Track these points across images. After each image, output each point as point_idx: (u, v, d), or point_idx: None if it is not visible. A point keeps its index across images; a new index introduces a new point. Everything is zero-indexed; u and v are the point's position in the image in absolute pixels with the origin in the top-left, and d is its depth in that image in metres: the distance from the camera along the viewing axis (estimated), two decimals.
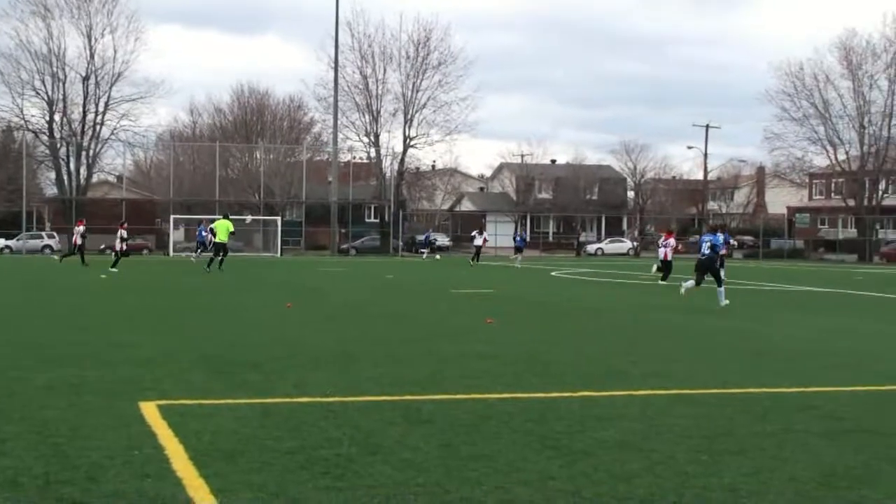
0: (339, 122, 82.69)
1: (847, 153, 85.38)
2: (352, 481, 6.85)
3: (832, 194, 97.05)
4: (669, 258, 36.99)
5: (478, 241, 59.52)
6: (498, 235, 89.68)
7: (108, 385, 10.79)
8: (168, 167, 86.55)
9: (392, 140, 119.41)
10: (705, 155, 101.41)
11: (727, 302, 24.03)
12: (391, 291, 30.47)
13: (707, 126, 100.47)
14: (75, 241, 46.43)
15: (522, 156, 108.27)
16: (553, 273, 45.79)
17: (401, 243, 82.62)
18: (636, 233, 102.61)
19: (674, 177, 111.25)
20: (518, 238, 63.50)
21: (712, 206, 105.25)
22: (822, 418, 9.42)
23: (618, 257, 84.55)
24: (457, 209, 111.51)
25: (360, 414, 9.26)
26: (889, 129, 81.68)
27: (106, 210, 79.37)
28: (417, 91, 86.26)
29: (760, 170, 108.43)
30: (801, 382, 11.73)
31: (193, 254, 57.56)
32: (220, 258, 41.81)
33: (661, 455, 7.76)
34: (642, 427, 8.85)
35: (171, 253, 72.81)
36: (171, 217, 77.08)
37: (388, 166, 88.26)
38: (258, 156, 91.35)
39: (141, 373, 11.72)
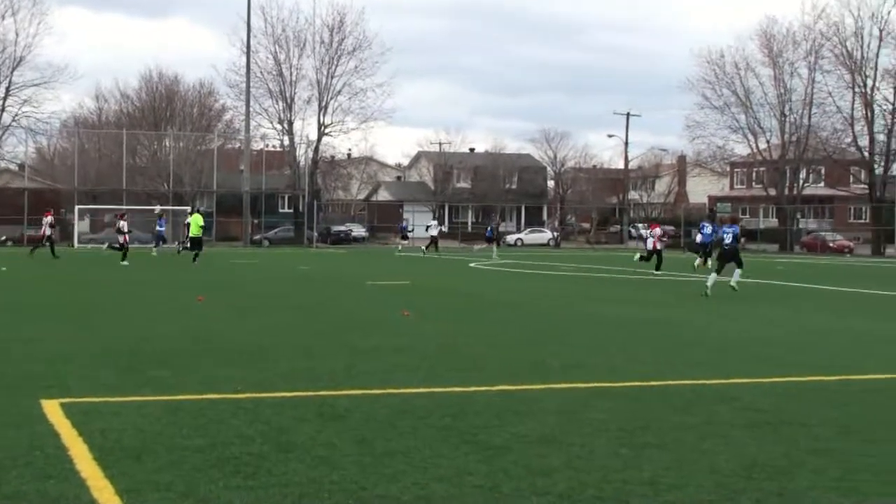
0: (251, 109, 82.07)
1: (768, 142, 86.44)
2: (264, 480, 6.80)
3: (753, 183, 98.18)
4: (658, 247, 38.96)
5: (433, 232, 60.68)
6: (416, 225, 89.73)
7: (8, 382, 10.62)
8: (72, 155, 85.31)
9: (306, 128, 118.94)
10: (626, 143, 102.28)
11: (735, 286, 26.43)
12: (305, 284, 30.34)
13: (628, 114, 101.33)
14: (43, 233, 46.56)
15: (440, 144, 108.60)
16: (472, 264, 45.89)
17: (315, 234, 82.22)
18: (556, 223, 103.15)
19: (594, 166, 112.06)
20: (489, 229, 63.75)
21: (633, 195, 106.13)
22: (743, 410, 9.52)
23: (538, 248, 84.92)
24: (373, 199, 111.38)
25: (273, 410, 9.19)
26: (809, 117, 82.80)
27: (7, 200, 77.98)
28: (332, 77, 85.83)
29: (682, 159, 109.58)
30: (724, 374, 11.86)
31: (103, 246, 57.20)
32: (196, 253, 42.38)
33: (580, 449, 7.80)
34: (562, 420, 8.88)
35: (76, 244, 71.77)
36: (76, 207, 76.01)
37: (303, 155, 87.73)
38: (167, 143, 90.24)
39: (44, 369, 11.54)
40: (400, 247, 56.43)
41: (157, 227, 57.00)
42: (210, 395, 10.00)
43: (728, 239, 27.45)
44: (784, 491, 6.68)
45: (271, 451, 7.62)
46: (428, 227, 63.40)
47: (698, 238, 42.48)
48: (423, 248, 60.88)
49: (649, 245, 39.84)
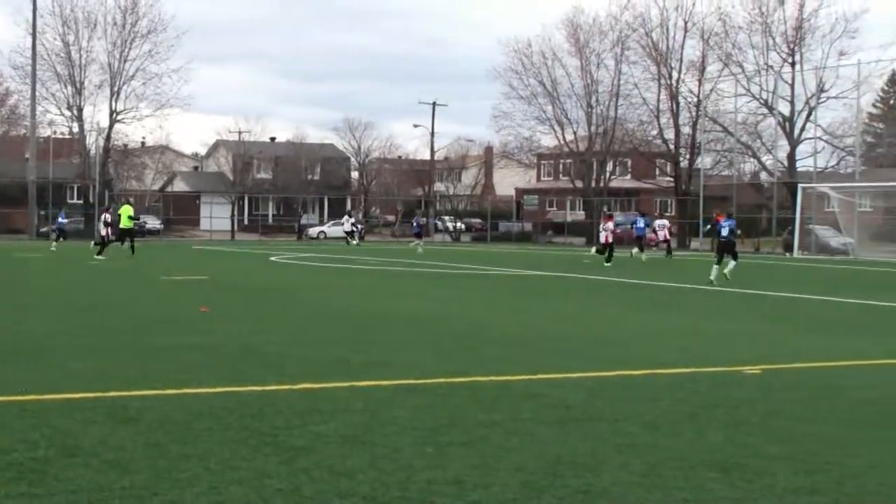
0: (37, 94, 79.89)
1: (575, 133, 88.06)
2: (50, 486, 6.62)
3: (560, 175, 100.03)
4: (611, 241, 42.62)
5: (347, 228, 65.40)
6: (213, 218, 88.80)
7: None
8: None
9: (97, 114, 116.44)
10: (432, 134, 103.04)
11: (728, 276, 29.56)
12: (97, 278, 29.71)
13: (434, 104, 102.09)
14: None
15: (240, 133, 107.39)
16: (272, 258, 45.61)
17: None
18: (360, 215, 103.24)
19: (400, 156, 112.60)
20: (415, 223, 63.15)
21: (439, 186, 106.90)
22: (549, 406, 9.68)
23: (342, 241, 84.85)
24: (169, 190, 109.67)
25: (59, 413, 8.97)
26: (616, 108, 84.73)
27: None
28: (125, 61, 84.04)
29: (488, 150, 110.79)
30: (529, 370, 12.03)
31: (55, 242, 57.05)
32: (130, 244, 44.27)
33: (385, 448, 7.82)
34: (365, 420, 8.89)
35: None
36: None
37: (93, 143, 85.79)
38: None
39: None
40: (420, 248, 55.00)
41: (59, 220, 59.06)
42: None
43: (725, 232, 30.44)
44: (589, 488, 6.81)
45: (57, 456, 7.43)
46: (342, 222, 67.42)
47: (603, 237, 44.51)
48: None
49: (602, 238, 43.34)
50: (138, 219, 47.31)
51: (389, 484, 6.82)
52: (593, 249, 45.71)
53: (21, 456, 7.40)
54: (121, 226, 45.17)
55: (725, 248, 30.38)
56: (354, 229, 66.43)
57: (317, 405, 9.54)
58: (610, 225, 43.42)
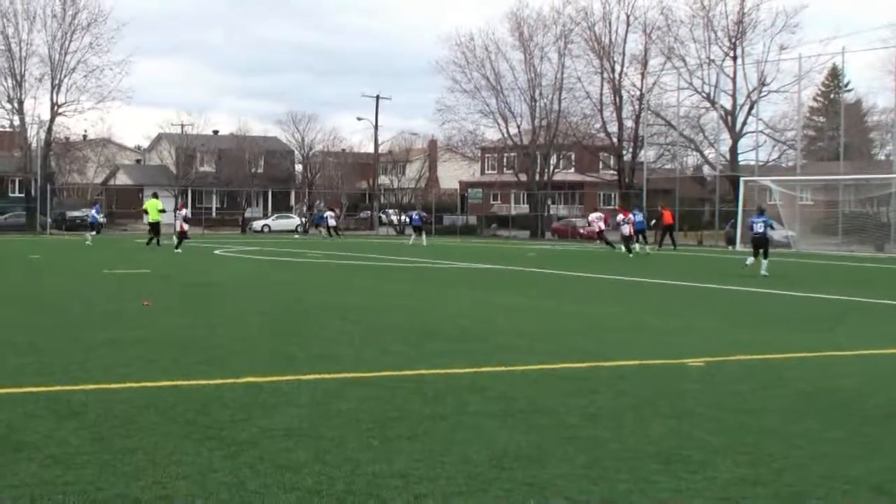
0: None
1: (519, 127, 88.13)
2: None
3: (504, 169, 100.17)
4: (632, 233, 45.99)
5: (332, 223, 67.33)
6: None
7: None
8: None
9: (38, 107, 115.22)
10: (375, 127, 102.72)
11: (766, 273, 29.96)
12: (37, 273, 29.45)
13: (377, 97, 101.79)
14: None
15: (182, 126, 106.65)
16: (217, 251, 45.40)
17: (49, 220, 79.75)
18: (304, 208, 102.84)
19: (344, 150, 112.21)
20: (416, 216, 62.69)
21: (384, 179, 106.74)
22: (494, 399, 9.72)
23: (286, 234, 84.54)
24: (111, 183, 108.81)
25: (1, 408, 8.90)
26: (560, 102, 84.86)
27: None
28: (66, 54, 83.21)
29: (432, 143, 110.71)
30: (474, 363, 12.06)
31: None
32: (156, 238, 46.45)
33: (330, 442, 7.82)
34: (310, 413, 8.88)
35: None
36: None
37: (34, 136, 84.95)
38: None
39: None
40: (423, 241, 54.98)
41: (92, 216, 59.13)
42: None
43: (759, 228, 31.48)
44: (534, 480, 6.85)
45: (0, 450, 7.38)
46: (326, 217, 72.07)
47: (626, 230, 46.96)
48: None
49: (625, 231, 46.08)
50: (164, 211, 48.53)
51: (335, 477, 6.82)
52: (621, 247, 47.44)
53: None
54: (149, 220, 47.38)
55: (759, 244, 31.26)
56: (335, 223, 67.22)
57: (261, 399, 9.52)
58: (631, 217, 46.41)
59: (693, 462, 7.42)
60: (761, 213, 32.33)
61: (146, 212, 48.68)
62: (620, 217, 48.76)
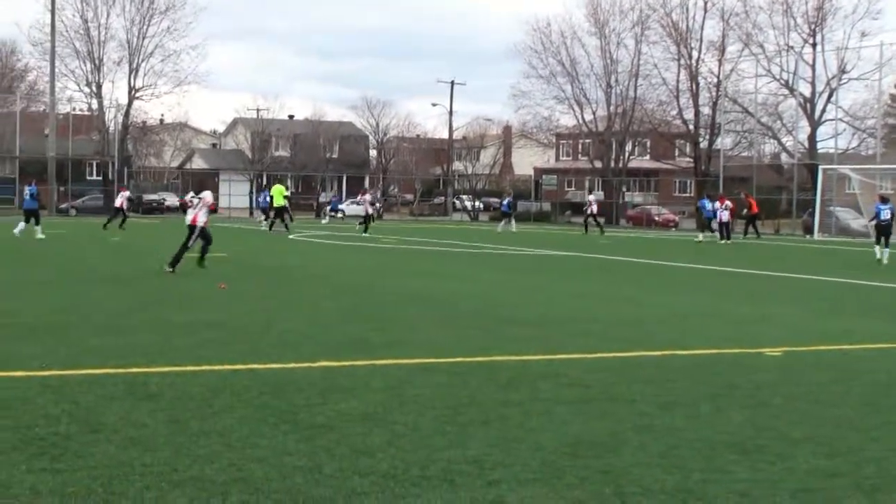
0: (57, 70, 80.00)
1: (594, 113, 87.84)
2: (71, 462, 6.66)
3: (579, 155, 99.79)
4: (726, 220, 46.76)
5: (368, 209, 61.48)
6: (232, 196, 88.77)
7: None
8: None
9: (116, 91, 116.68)
10: (450, 112, 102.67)
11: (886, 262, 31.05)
12: (115, 255, 29.76)
13: (452, 82, 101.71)
14: (121, 205, 48.45)
15: (258, 110, 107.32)
16: (291, 236, 45.63)
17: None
18: (379, 193, 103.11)
19: (418, 135, 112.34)
20: (504, 204, 62.78)
21: (458, 166, 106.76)
22: (568, 386, 9.68)
23: (360, 219, 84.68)
24: (187, 167, 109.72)
25: (80, 389, 9.01)
26: (636, 89, 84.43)
27: None
28: (144, 38, 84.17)
29: (507, 129, 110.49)
30: (548, 349, 12.03)
31: (265, 220, 56.71)
32: (285, 221, 48.77)
33: (404, 427, 7.83)
34: (385, 398, 8.90)
35: None
36: None
37: (112, 119, 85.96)
38: None
39: None
40: (512, 228, 55.48)
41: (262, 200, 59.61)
42: (12, 372, 9.74)
43: (886, 216, 32.51)
44: (609, 468, 6.81)
45: (79, 431, 7.47)
46: (359, 201, 66.69)
47: (724, 216, 47.79)
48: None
49: (721, 218, 46.75)
50: (289, 197, 50.73)
51: (409, 462, 6.83)
52: (700, 235, 47.43)
53: (43, 431, 7.44)
54: (274, 204, 49.23)
55: (883, 232, 32.14)
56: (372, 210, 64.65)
57: (337, 383, 9.55)
58: (728, 203, 47.25)
59: (770, 452, 7.34)
60: (886, 200, 32.50)
61: (272, 196, 50.77)
62: (717, 204, 48.51)
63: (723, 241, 45.66)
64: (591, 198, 57.40)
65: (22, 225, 38.82)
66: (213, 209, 23.92)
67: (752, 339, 13.43)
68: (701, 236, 48.50)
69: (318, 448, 7.15)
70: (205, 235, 22.70)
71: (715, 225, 48.72)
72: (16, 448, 6.97)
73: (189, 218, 23.03)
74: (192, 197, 23.40)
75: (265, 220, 54.65)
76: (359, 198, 62.73)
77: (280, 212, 49.51)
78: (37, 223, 38.56)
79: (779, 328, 14.99)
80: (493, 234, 51.93)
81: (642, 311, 17.10)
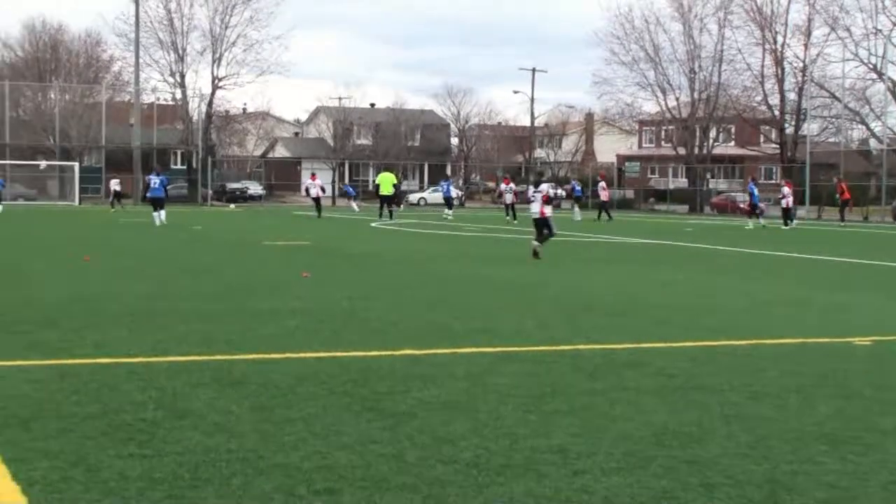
0: (141, 61, 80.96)
1: (677, 99, 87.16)
2: (158, 448, 6.73)
3: (662, 142, 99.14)
4: (789, 205, 48.01)
5: (450, 193, 61.28)
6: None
7: None
8: None
9: (199, 80, 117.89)
10: (532, 100, 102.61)
11: None
12: (199, 243, 30.08)
13: (533, 70, 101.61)
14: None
15: (340, 99, 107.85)
16: (373, 224, 45.82)
17: (210, 192, 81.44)
18: (461, 181, 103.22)
19: (500, 123, 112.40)
20: (576, 187, 62.87)
21: (540, 153, 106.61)
22: (653, 375, 9.61)
23: (442, 207, 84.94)
24: (270, 156, 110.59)
25: (167, 375, 9.10)
26: (719, 74, 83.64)
27: None
28: (227, 28, 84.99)
29: (589, 116, 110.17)
30: (632, 338, 11.95)
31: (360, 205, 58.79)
32: (390, 209, 49.69)
33: (488, 416, 7.82)
34: (468, 386, 8.90)
35: None
36: None
37: (196, 109, 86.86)
38: (53, 96, 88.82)
39: None
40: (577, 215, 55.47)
41: (445, 191, 60.32)
42: (100, 359, 9.87)
43: None
44: (695, 458, 6.75)
45: (166, 417, 7.55)
46: (438, 189, 70.12)
47: (787, 202, 48.94)
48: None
49: (784, 203, 47.91)
50: (397, 185, 51.72)
51: (493, 451, 6.82)
52: (751, 223, 48.08)
53: (130, 417, 7.53)
54: (381, 192, 49.94)
55: None
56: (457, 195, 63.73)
57: (419, 371, 9.56)
58: (787, 190, 48.59)
59: (861, 444, 7.23)
60: None
61: (379, 185, 51.13)
62: (786, 190, 48.39)
63: (785, 227, 46.09)
64: (602, 184, 56.05)
65: (159, 215, 39.69)
66: (545, 199, 24.74)
67: (841, 328, 13.25)
68: (751, 223, 48.12)
69: (402, 436, 7.16)
70: (547, 225, 24.29)
71: (764, 207, 49.34)
72: (104, 434, 7.06)
73: (536, 210, 24.32)
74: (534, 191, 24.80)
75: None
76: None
77: (387, 200, 49.66)
78: (160, 209, 40.37)
79: (868, 317, 14.77)
80: (571, 222, 51.69)
81: (726, 299, 16.94)
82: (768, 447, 7.07)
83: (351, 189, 72.93)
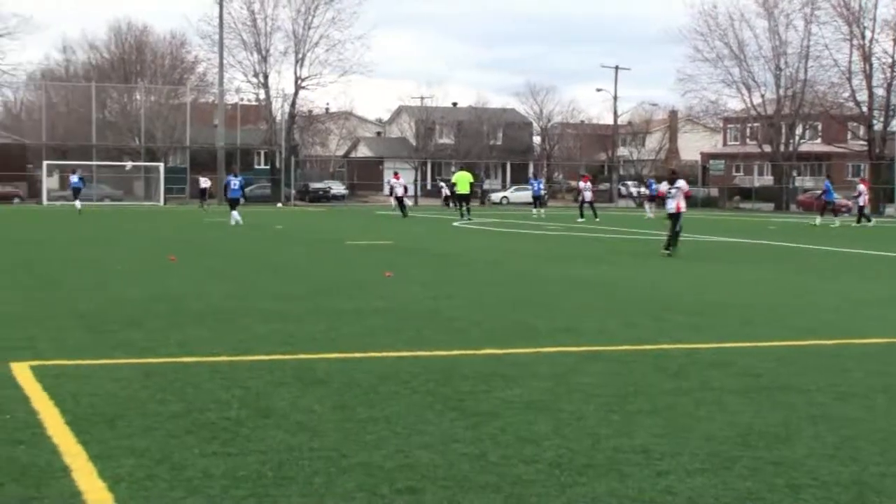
0: (225, 62, 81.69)
1: (763, 96, 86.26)
2: (241, 446, 6.79)
3: (747, 140, 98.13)
4: (865, 203, 48.81)
5: (540, 191, 61.97)
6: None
7: None
8: (40, 109, 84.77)
9: (282, 81, 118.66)
10: (615, 98, 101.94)
11: None
12: (282, 243, 30.27)
13: (616, 67, 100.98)
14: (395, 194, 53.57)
15: (422, 98, 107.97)
16: (455, 223, 45.85)
17: (293, 191, 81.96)
18: (544, 180, 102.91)
19: (582, 121, 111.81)
20: (652, 185, 62.59)
21: (623, 151, 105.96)
22: (738, 375, 9.53)
23: (525, 206, 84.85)
24: (353, 155, 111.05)
25: (250, 374, 9.18)
26: (805, 71, 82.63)
27: None
28: (309, 28, 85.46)
29: (673, 114, 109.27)
30: (717, 338, 11.87)
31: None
32: (466, 207, 49.08)
33: (570, 415, 7.80)
34: (551, 386, 8.88)
35: (45, 201, 71.56)
36: (44, 163, 75.53)
37: (279, 109, 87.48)
38: (138, 97, 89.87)
39: (11, 331, 11.51)
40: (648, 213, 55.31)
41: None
42: (184, 358, 9.99)
43: None
44: (781, 459, 6.68)
45: (249, 416, 7.61)
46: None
47: (862, 200, 49.53)
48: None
49: (861, 202, 48.52)
50: (474, 183, 52.53)
51: (575, 451, 6.80)
52: (818, 219, 48.36)
53: (214, 416, 7.60)
54: (458, 191, 49.87)
55: None
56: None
57: (501, 370, 9.56)
58: (861, 187, 48.86)
59: None
60: None
61: (455, 183, 51.12)
62: (861, 187, 48.21)
63: (857, 225, 46.32)
64: (584, 184, 53.62)
65: (236, 215, 40.13)
66: (687, 196, 26.37)
67: None
68: (818, 220, 47.89)
69: (484, 435, 7.16)
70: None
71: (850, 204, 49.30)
72: (189, 432, 7.14)
73: (672, 206, 25.40)
74: (670, 188, 25.72)
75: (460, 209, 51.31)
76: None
77: (462, 199, 49.62)
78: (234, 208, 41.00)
79: None
80: (654, 221, 51.34)
81: (813, 298, 16.75)
82: (855, 448, 6.98)
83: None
